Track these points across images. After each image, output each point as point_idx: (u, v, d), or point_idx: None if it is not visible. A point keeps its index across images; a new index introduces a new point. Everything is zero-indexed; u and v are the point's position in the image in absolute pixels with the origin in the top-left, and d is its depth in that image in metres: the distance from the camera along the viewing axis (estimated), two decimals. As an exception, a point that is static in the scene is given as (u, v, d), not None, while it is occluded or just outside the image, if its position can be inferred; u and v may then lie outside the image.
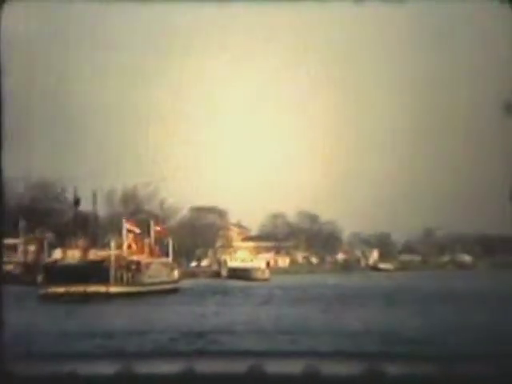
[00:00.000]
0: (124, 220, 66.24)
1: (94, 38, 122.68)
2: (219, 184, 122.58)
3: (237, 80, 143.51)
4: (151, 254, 65.96)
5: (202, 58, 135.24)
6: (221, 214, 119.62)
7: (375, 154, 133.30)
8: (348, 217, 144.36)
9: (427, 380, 3.00)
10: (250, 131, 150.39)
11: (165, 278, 65.06)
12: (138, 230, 65.49)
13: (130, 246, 65.16)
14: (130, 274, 59.03)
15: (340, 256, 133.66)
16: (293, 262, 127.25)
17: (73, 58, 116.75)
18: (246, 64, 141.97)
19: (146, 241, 66.38)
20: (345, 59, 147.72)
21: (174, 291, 63.01)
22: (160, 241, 69.52)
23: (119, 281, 57.64)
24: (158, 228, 70.19)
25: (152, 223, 69.01)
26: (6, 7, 3.38)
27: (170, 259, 69.08)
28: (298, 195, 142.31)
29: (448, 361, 3.10)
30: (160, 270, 64.91)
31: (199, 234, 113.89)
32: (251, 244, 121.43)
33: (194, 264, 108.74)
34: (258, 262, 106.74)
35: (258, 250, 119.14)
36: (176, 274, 69.12)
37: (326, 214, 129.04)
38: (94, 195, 68.29)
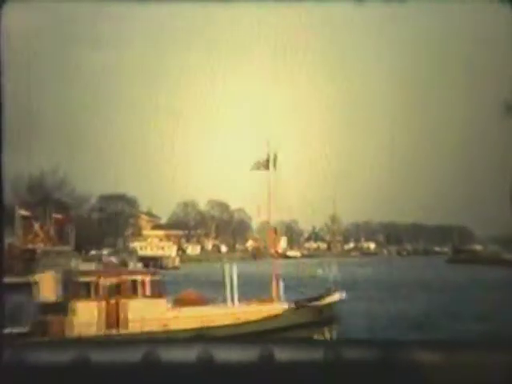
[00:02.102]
0: (16, 207, 64.72)
1: (94, 37, 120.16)
2: (129, 172, 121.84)
3: (236, 80, 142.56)
4: (51, 242, 64.44)
5: (202, 57, 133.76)
6: (130, 202, 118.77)
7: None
8: (256, 203, 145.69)
9: (316, 364, 3.11)
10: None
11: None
12: (30, 216, 63.55)
13: (36, 235, 63.58)
14: (23, 264, 57.43)
15: (250, 244, 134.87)
16: (203, 250, 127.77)
17: (73, 58, 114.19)
18: (246, 64, 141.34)
19: (46, 229, 64.73)
20: (345, 59, 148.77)
21: None
22: (61, 229, 67.77)
23: (9, 271, 56.69)
24: (59, 215, 68.56)
25: (51, 210, 67.46)
26: (6, 7, 3.38)
27: (70, 248, 67.37)
28: (209, 184, 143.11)
29: (336, 345, 3.21)
30: (58, 261, 63.36)
31: (108, 222, 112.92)
32: (161, 232, 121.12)
33: (93, 252, 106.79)
34: (168, 251, 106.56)
35: (168, 239, 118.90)
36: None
37: (236, 202, 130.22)
38: None
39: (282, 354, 3.13)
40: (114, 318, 26.08)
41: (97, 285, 26.71)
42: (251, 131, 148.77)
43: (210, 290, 52.86)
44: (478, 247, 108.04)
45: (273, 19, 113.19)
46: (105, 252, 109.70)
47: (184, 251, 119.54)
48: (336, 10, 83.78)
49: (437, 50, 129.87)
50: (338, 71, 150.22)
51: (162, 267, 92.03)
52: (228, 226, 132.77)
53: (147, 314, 26.10)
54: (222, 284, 29.28)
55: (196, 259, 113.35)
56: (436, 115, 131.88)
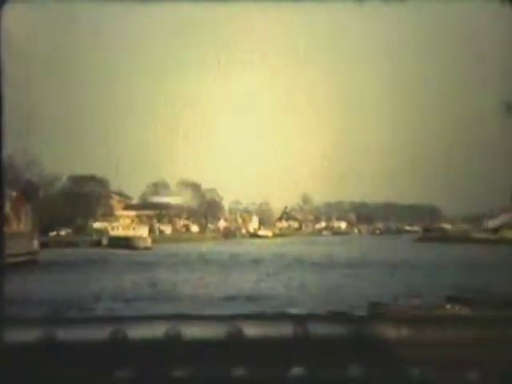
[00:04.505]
0: None
1: (94, 37, 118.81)
2: (98, 152, 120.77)
3: (236, 80, 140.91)
4: (20, 224, 63.29)
5: (201, 58, 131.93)
6: (101, 182, 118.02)
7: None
8: (229, 184, 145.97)
9: (284, 340, 3.14)
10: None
11: (20, 250, 60.68)
12: None
13: (7, 217, 62.74)
14: None
15: (221, 223, 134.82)
16: (174, 230, 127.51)
17: (73, 59, 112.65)
18: (246, 64, 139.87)
19: (16, 210, 63.60)
20: (345, 59, 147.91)
21: (33, 263, 60.34)
22: (20, 209, 66.08)
23: None
24: (15, 194, 66.57)
25: (7, 189, 65.83)
26: (6, 7, 3.39)
27: (28, 229, 65.58)
28: (180, 163, 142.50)
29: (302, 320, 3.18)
30: (15, 241, 61.57)
31: (79, 202, 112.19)
32: (133, 212, 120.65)
33: (53, 234, 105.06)
34: (140, 231, 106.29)
35: (139, 219, 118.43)
36: (35, 244, 66.14)
37: (208, 182, 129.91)
38: None
39: (250, 331, 3.13)
40: None
41: None
42: (249, 129, 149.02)
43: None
44: (447, 226, 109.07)
45: (273, 19, 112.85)
46: (63, 232, 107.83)
47: (161, 231, 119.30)
48: (336, 9, 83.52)
49: (436, 49, 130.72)
50: (338, 71, 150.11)
51: (133, 247, 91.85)
52: (199, 206, 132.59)
53: None
54: None
55: (168, 239, 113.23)
56: (435, 113, 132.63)
